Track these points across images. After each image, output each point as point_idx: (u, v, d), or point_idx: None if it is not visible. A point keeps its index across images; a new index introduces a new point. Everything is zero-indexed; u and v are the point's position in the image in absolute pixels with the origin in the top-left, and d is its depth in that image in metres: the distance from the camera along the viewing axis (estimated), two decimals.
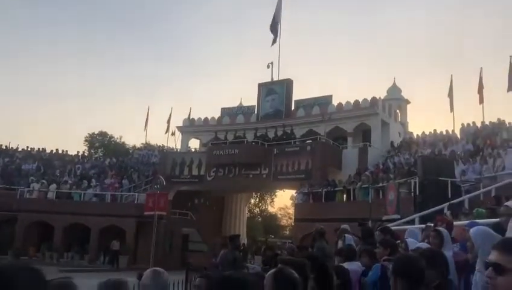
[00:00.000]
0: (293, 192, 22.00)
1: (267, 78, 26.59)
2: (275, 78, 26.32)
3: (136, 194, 23.88)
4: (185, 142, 28.50)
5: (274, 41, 26.95)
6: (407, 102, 27.26)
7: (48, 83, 71.11)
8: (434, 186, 11.94)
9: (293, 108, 25.67)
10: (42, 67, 71.42)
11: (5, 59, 68.45)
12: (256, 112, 26.62)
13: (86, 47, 74.48)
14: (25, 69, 71.94)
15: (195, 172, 23.98)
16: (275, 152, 21.76)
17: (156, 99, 74.56)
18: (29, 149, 31.44)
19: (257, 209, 44.63)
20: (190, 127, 28.56)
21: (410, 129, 26.32)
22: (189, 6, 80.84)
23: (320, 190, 18.74)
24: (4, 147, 31.24)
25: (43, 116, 72.70)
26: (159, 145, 34.55)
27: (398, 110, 26.08)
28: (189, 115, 29.28)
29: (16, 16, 69.68)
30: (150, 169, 27.15)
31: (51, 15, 73.15)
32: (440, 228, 4.63)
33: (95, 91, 74.17)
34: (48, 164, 29.14)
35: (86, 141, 42.44)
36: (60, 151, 31.74)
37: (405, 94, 27.31)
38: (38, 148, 31.65)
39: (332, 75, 78.00)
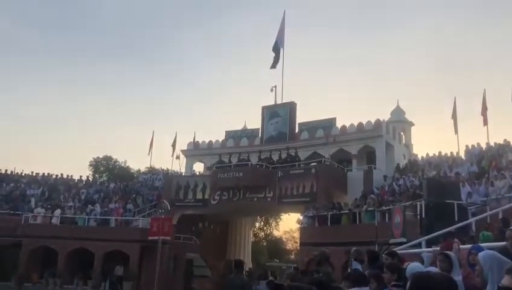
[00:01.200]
0: (298, 215, 21.80)
1: (270, 101, 26.92)
2: (279, 101, 26.56)
3: (141, 218, 23.82)
4: (189, 165, 28.59)
5: (274, 65, 27.31)
6: (411, 124, 27.34)
7: (51, 108, 71.94)
8: (440, 209, 11.88)
9: (296, 131, 25.81)
10: (46, 93, 72.39)
11: (9, 84, 69.49)
12: (260, 135, 26.77)
13: (90, 71, 75.59)
14: (28, 94, 72.90)
15: (199, 196, 23.96)
16: (280, 175, 21.75)
17: (161, 124, 75.11)
18: (34, 174, 31.57)
19: (262, 233, 44.23)
20: (194, 151, 28.66)
21: (414, 151, 26.36)
22: (192, 29, 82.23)
23: (325, 213, 18.63)
24: (9, 173, 31.39)
25: (48, 141, 73.29)
26: (164, 169, 34.61)
27: (402, 133, 26.15)
28: (194, 138, 29.52)
29: (23, 43, 71.00)
30: (154, 193, 27.13)
31: (55, 40, 74.58)
32: (448, 252, 4.60)
33: (100, 116, 74.88)
34: (53, 188, 29.23)
35: (90, 165, 42.63)
36: (65, 176, 31.87)
37: (409, 116, 27.49)
38: (43, 173, 31.83)
39: (335, 97, 78.59)
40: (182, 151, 29.05)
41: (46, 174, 31.77)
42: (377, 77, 75.56)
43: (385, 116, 26.73)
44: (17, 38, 68.54)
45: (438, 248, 7.13)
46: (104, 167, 42.69)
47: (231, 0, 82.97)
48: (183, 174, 27.58)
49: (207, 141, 28.71)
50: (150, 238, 19.43)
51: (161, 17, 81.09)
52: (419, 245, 10.51)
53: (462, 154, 21.53)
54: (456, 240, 7.92)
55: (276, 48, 27.34)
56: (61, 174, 31.96)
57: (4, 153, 61.86)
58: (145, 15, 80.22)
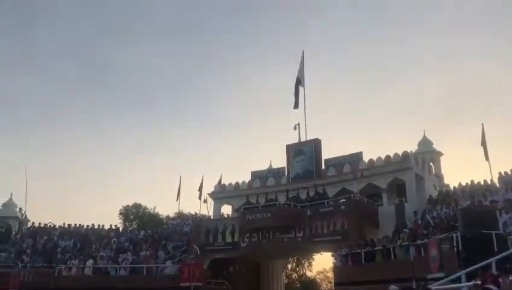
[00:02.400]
0: (330, 254, 21.38)
1: (294, 140, 27.13)
2: (303, 139, 26.74)
3: (171, 265, 23.78)
4: (217, 208, 28.70)
5: (296, 104, 27.68)
6: (440, 154, 26.98)
7: (76, 159, 73.72)
8: (478, 240, 11.46)
9: (323, 167, 25.78)
10: (74, 143, 74.46)
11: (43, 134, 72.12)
12: (286, 174, 26.82)
13: (115, 121, 77.80)
14: (58, 147, 75.18)
15: (228, 239, 23.89)
16: (309, 213, 21.56)
17: (188, 168, 76.11)
18: (66, 226, 32.14)
19: (295, 274, 43.31)
20: (221, 193, 28.85)
21: (445, 181, 25.84)
22: (215, 75, 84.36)
23: (358, 251, 18.21)
24: (43, 226, 32.08)
25: (79, 192, 74.83)
26: (192, 214, 34.79)
27: (431, 163, 25.75)
28: (220, 180, 29.74)
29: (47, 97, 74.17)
30: (184, 239, 27.20)
31: (85, 84, 77.64)
32: (490, 286, 4.45)
33: (127, 163, 76.35)
34: (85, 239, 29.68)
35: (120, 214, 43.23)
36: (96, 226, 32.32)
37: (437, 146, 27.18)
38: (75, 224, 32.36)
39: (359, 131, 78.32)
40: (209, 194, 29.27)
41: (77, 225, 32.31)
42: (401, 108, 75.12)
43: (412, 147, 26.58)
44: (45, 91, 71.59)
45: (479, 282, 6.88)
46: (134, 214, 43.23)
47: (251, 45, 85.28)
48: (212, 217, 27.68)
49: (233, 183, 28.88)
50: (181, 284, 19.34)
51: (181, 62, 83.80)
52: (458, 279, 10.13)
53: (496, 182, 21.00)
54: (496, 272, 7.65)
55: (297, 87, 27.79)
56: (92, 224, 32.49)
57: (38, 206, 63.49)
58: (165, 64, 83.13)
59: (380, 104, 78.82)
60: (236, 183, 28.80)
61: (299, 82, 27.76)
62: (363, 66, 79.76)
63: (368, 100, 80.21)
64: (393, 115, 76.95)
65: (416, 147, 26.77)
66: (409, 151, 23.51)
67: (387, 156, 23.74)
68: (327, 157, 26.13)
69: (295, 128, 26.86)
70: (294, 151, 26.65)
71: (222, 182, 29.65)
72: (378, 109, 79.21)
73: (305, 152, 26.27)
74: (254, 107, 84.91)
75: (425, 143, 26.85)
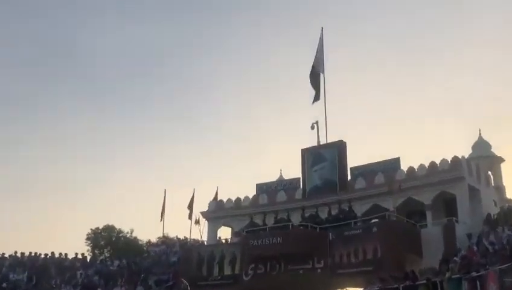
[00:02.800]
0: None
1: (312, 142, 27.10)
2: (322, 141, 26.76)
3: None
4: (212, 231, 28.80)
5: (316, 97, 27.75)
6: (501, 160, 26.91)
7: (35, 170, 73.75)
8: None
9: (349, 178, 25.86)
10: (27, 149, 74.34)
11: None
12: (301, 186, 26.89)
13: (77, 116, 77.83)
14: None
15: (227, 271, 23.91)
16: (331, 238, 21.60)
17: (175, 179, 75.93)
18: (18, 255, 32.09)
19: None
20: (218, 212, 28.98)
21: (508, 195, 25.78)
22: (209, 52, 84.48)
23: (396, 286, 18.16)
24: None
25: (34, 213, 74.40)
26: (180, 238, 34.82)
27: (489, 172, 25.71)
28: (216, 195, 29.89)
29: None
30: (169, 270, 27.23)
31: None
32: None
33: (99, 174, 76.32)
34: (42, 271, 29.71)
35: (88, 239, 43.28)
36: (57, 255, 32.30)
37: (496, 150, 27.13)
38: (30, 253, 32.27)
39: (395, 131, 77.72)
40: (202, 213, 29.36)
41: (32, 254, 32.30)
42: (448, 100, 74.72)
43: (464, 151, 26.54)
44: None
45: None
46: (106, 239, 43.27)
47: (254, 25, 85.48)
48: (206, 242, 27.75)
49: (234, 198, 28.94)
50: None
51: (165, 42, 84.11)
52: None
53: None
54: None
55: (314, 75, 27.94)
56: (52, 253, 32.47)
57: None
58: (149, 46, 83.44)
59: (420, 96, 78.35)
60: (238, 199, 28.82)
61: (318, 68, 27.90)
62: (398, 50, 79.58)
63: (405, 91, 79.88)
64: (438, 109, 76.42)
65: (470, 151, 26.72)
66: (460, 157, 23.48)
67: (433, 163, 23.72)
68: (354, 165, 26.13)
69: (313, 128, 26.90)
70: (312, 157, 26.69)
71: (219, 198, 29.80)
72: (418, 103, 78.72)
73: (325, 158, 26.29)
74: (260, 100, 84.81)
75: (481, 146, 26.80)
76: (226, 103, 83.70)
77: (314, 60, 28.12)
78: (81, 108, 77.84)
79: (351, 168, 26.06)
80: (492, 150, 26.95)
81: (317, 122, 26.91)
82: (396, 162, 25.01)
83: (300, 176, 27.12)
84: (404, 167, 24.58)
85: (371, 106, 77.08)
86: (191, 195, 30.90)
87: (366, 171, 25.45)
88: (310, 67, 28.19)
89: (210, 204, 29.45)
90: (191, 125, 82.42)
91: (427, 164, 23.91)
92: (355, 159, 27.62)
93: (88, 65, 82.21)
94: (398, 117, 79.21)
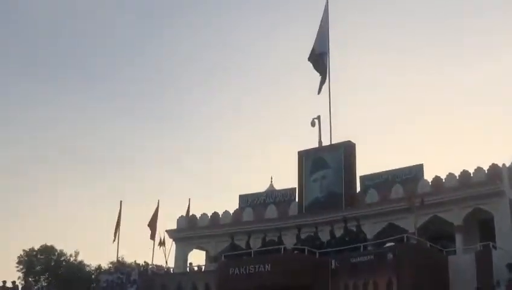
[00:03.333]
0: None
1: (312, 143, 27.21)
2: (325, 142, 26.87)
3: None
4: (181, 255, 28.76)
5: (322, 82, 27.91)
6: None
7: None
8: None
9: (358, 189, 25.94)
10: None
11: None
12: (297, 199, 26.92)
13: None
14: None
15: None
16: (334, 266, 21.42)
17: (133, 187, 75.28)
18: None
19: None
20: (189, 231, 28.99)
21: None
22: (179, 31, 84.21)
23: None
24: None
25: None
26: (140, 264, 34.54)
27: None
28: (188, 209, 29.67)
29: None
30: None
31: None
32: None
33: (30, 181, 75.50)
34: None
35: (20, 262, 42.83)
36: None
37: None
38: None
39: (417, 131, 77.33)
40: (169, 232, 29.30)
41: None
42: (483, 93, 74.73)
43: (506, 159, 26.33)
44: None
45: None
46: (43, 263, 42.86)
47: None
48: (172, 270, 27.53)
49: (210, 213, 28.91)
50: None
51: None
52: None
53: None
54: None
55: (315, 57, 28.14)
56: None
57: None
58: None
59: (449, 85, 78.05)
60: (215, 214, 28.79)
61: (321, 48, 28.08)
62: (427, 27, 79.48)
63: (431, 79, 79.50)
64: (471, 103, 76.41)
65: None
66: (500, 165, 23.50)
67: (465, 173, 23.80)
68: (365, 174, 26.25)
69: (313, 125, 27.11)
70: (312, 162, 26.77)
71: (191, 213, 29.68)
72: (446, 95, 78.39)
73: (328, 164, 26.35)
74: (246, 88, 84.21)
75: None
76: (205, 95, 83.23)
77: (316, 38, 28.28)
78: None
79: (360, 177, 26.18)
80: None
81: (318, 118, 27.11)
82: (418, 170, 25.08)
83: (296, 186, 27.16)
84: (428, 176, 24.68)
85: (387, 98, 76.88)
86: (155, 208, 30.49)
87: (380, 182, 25.59)
88: (311, 47, 28.34)
89: (179, 221, 29.39)
90: (156, 121, 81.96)
91: (457, 174, 23.98)
92: (366, 165, 27.67)
93: None
94: (420, 113, 78.89)
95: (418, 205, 22.66)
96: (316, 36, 28.37)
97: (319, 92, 28.03)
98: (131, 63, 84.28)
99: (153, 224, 30.09)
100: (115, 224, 32.47)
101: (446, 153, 66.53)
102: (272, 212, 27.21)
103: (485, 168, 23.42)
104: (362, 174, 26.27)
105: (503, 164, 23.87)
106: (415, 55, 77.59)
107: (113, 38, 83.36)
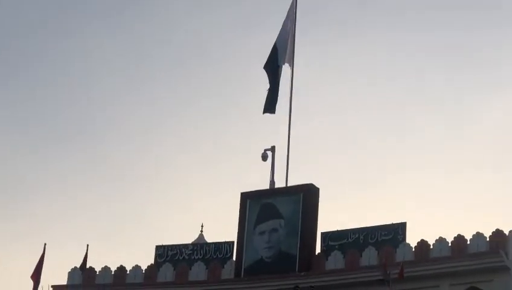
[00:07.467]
0: None
1: (261, 183, 27.29)
2: (279, 183, 27.02)
3: None
4: None
5: (270, 106, 28.02)
6: None
7: None
8: None
9: (318, 251, 25.73)
10: None
11: None
12: (235, 258, 26.60)
13: None
14: None
15: None
16: None
17: (13, 228, 73.63)
18: None
19: None
20: (85, 289, 28.33)
21: None
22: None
23: None
24: None
25: None
26: None
27: None
28: (85, 260, 29.26)
29: None
30: None
31: None
32: None
33: None
34: None
35: None
36: None
37: None
38: None
39: (399, 181, 77.33)
40: (56, 288, 28.54)
41: None
42: (487, 139, 75.72)
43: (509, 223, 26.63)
44: None
45: None
46: None
47: None
48: None
49: (114, 268, 28.39)
50: None
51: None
52: None
53: None
54: None
55: (275, 66, 28.09)
56: None
57: None
58: None
59: (444, 121, 78.78)
60: (120, 268, 28.21)
61: (281, 56, 28.17)
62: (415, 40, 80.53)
63: (419, 110, 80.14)
64: (470, 152, 76.90)
65: None
66: (506, 232, 23.30)
67: (459, 238, 23.69)
68: (328, 230, 26.06)
69: (264, 158, 27.10)
70: (259, 208, 26.51)
71: (89, 264, 29.11)
72: (437, 134, 79.02)
73: (281, 213, 26.06)
74: (174, 103, 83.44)
75: None
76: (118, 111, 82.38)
77: (277, 39, 28.54)
78: None
79: (322, 235, 26.00)
80: None
81: (272, 149, 27.07)
82: (399, 230, 24.92)
83: (235, 240, 26.77)
84: (411, 240, 24.56)
85: (362, 129, 76.92)
86: (40, 255, 29.14)
87: (347, 242, 25.34)
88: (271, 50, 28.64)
89: (71, 274, 28.57)
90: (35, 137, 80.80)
91: (449, 239, 23.87)
92: (331, 218, 28.04)
93: None
94: (405, 154, 79.32)
95: (396, 277, 22.44)
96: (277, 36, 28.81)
97: (263, 112, 28.16)
98: None
99: (36, 275, 28.82)
100: None
101: (437, 211, 66.74)
102: (199, 272, 26.69)
103: (487, 234, 23.35)
104: (325, 230, 26.08)
105: (510, 231, 23.57)
106: (404, 73, 78.53)
107: None
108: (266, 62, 28.48)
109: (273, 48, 28.63)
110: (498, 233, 23.09)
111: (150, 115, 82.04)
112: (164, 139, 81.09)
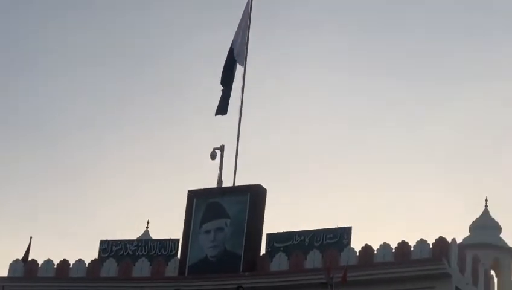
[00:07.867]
0: None
1: (208, 182, 27.28)
2: (227, 183, 27.09)
3: None
4: None
5: (222, 108, 28.19)
6: None
7: None
8: None
9: (263, 251, 25.83)
10: None
11: None
12: (179, 256, 26.59)
13: None
14: None
15: None
16: None
17: None
18: None
19: None
20: (26, 282, 28.21)
21: None
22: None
23: None
24: None
25: None
26: None
27: (493, 271, 26.46)
28: (27, 252, 29.05)
29: None
30: None
31: None
32: None
33: None
34: None
35: None
36: None
37: (510, 238, 27.82)
38: None
39: (347, 184, 77.64)
40: None
41: None
42: (439, 141, 76.34)
43: (458, 232, 27.23)
44: None
45: None
46: None
47: None
48: None
49: (57, 261, 28.11)
50: None
51: None
52: None
53: None
54: None
55: (230, 66, 28.21)
56: None
57: None
58: None
59: (391, 130, 79.34)
60: (63, 262, 27.96)
61: (235, 56, 28.21)
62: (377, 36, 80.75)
63: (375, 110, 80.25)
64: (416, 161, 77.57)
65: (466, 233, 26.88)
66: (449, 240, 23.62)
67: (403, 244, 23.81)
68: (274, 231, 26.13)
69: (213, 157, 27.10)
70: (206, 207, 26.50)
71: (31, 256, 28.79)
72: (388, 139, 79.39)
73: (227, 212, 26.11)
74: (121, 99, 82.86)
75: (485, 227, 27.54)
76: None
77: (233, 41, 28.55)
78: None
79: (268, 236, 26.01)
80: (501, 235, 27.33)
81: (222, 148, 27.11)
82: (345, 234, 24.96)
83: (181, 238, 26.74)
84: (356, 244, 24.64)
85: (314, 130, 76.82)
86: None
87: (292, 244, 25.32)
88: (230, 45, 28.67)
89: (13, 266, 28.34)
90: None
91: (394, 245, 23.98)
92: (277, 220, 28.21)
93: None
94: (353, 159, 79.50)
95: (339, 281, 22.23)
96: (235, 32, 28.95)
97: (215, 114, 28.45)
98: None
99: None
100: None
101: (382, 217, 67.17)
102: (143, 268, 26.60)
103: (430, 241, 23.52)
104: (270, 231, 26.14)
105: (453, 239, 24.06)
106: (366, 73, 78.81)
107: None
108: (224, 63, 28.45)
109: (229, 48, 28.59)
110: (441, 241, 23.24)
111: (98, 109, 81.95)
112: (112, 134, 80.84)
